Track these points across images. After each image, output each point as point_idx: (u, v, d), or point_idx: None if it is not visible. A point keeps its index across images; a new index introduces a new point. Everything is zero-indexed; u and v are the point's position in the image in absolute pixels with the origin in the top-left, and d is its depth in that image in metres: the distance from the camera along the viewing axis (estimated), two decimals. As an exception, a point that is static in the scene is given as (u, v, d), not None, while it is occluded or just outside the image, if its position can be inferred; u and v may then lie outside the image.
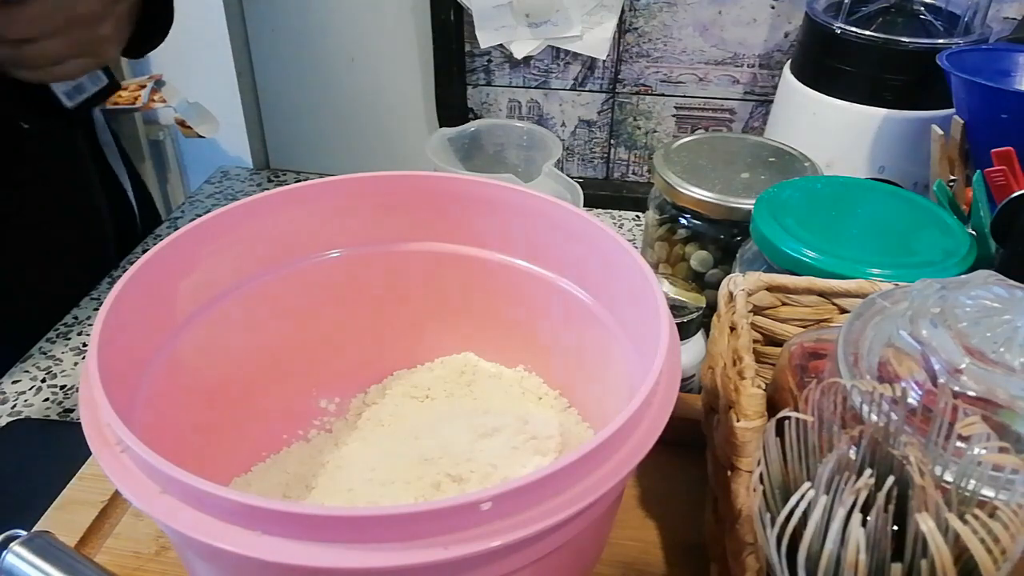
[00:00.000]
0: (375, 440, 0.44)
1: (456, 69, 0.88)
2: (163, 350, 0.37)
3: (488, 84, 0.90)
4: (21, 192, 0.64)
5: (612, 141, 0.92)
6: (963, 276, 0.33)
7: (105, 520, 0.43)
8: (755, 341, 0.42)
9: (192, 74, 0.91)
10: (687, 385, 0.53)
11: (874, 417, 0.28)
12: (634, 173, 0.94)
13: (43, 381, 0.60)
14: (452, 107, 0.90)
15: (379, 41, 0.88)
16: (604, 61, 0.86)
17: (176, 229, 0.38)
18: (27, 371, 0.61)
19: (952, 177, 0.59)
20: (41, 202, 0.66)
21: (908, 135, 0.68)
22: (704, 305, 0.51)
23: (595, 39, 0.84)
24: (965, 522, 0.23)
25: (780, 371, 0.38)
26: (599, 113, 0.90)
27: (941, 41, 0.66)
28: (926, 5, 0.70)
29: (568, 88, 0.89)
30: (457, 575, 0.27)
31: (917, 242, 0.47)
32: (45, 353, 0.63)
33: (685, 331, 0.50)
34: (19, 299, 0.66)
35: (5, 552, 0.34)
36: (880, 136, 0.68)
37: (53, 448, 0.52)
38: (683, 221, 0.59)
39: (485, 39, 0.85)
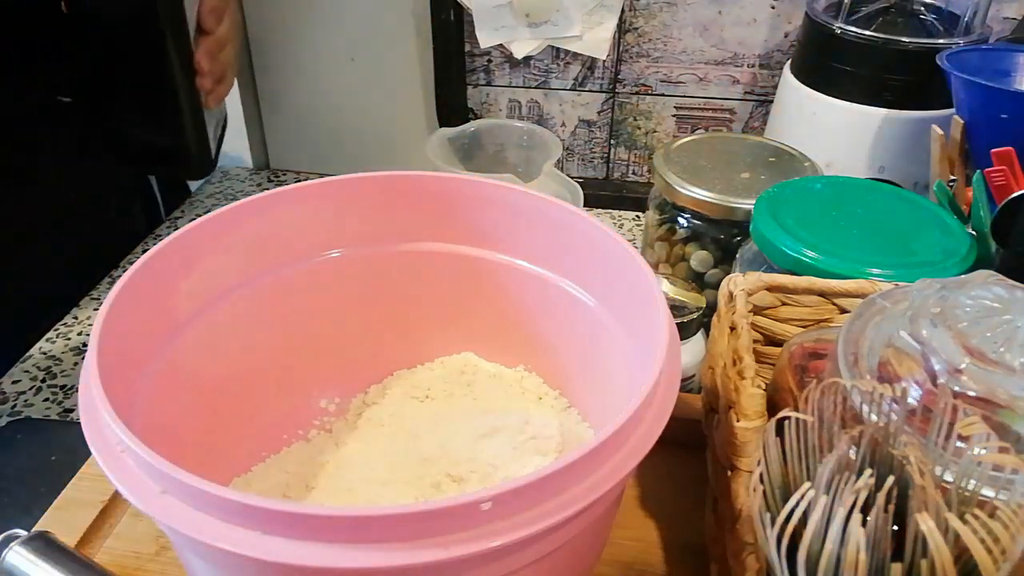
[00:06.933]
0: (375, 440, 0.44)
1: (456, 69, 0.88)
2: (163, 350, 0.37)
3: (488, 84, 0.90)
4: (43, 184, 0.64)
5: (612, 141, 0.92)
6: (963, 276, 0.33)
7: (105, 520, 0.43)
8: (755, 341, 0.42)
9: (192, 74, 0.90)
10: (687, 385, 0.53)
11: (874, 417, 0.28)
12: (634, 173, 0.94)
13: (43, 381, 0.60)
14: (452, 107, 0.90)
15: (379, 41, 0.88)
16: (604, 61, 0.86)
17: (176, 229, 0.38)
18: (27, 371, 0.61)
19: (952, 177, 0.59)
20: (62, 196, 0.66)
21: (908, 135, 0.68)
22: (704, 305, 0.51)
23: (595, 39, 0.84)
24: (965, 522, 0.23)
25: (780, 371, 0.38)
26: (599, 113, 0.90)
27: (941, 41, 0.66)
28: (926, 5, 0.70)
29: (568, 88, 0.89)
30: (457, 575, 0.27)
31: (917, 242, 0.47)
32: (45, 353, 0.63)
33: (685, 331, 0.50)
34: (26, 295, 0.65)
35: (5, 552, 0.34)
36: (880, 136, 0.68)
37: (53, 448, 0.52)
38: (683, 221, 0.59)
39: (485, 39, 0.85)
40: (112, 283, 0.42)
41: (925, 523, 0.23)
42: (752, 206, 0.50)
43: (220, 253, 0.40)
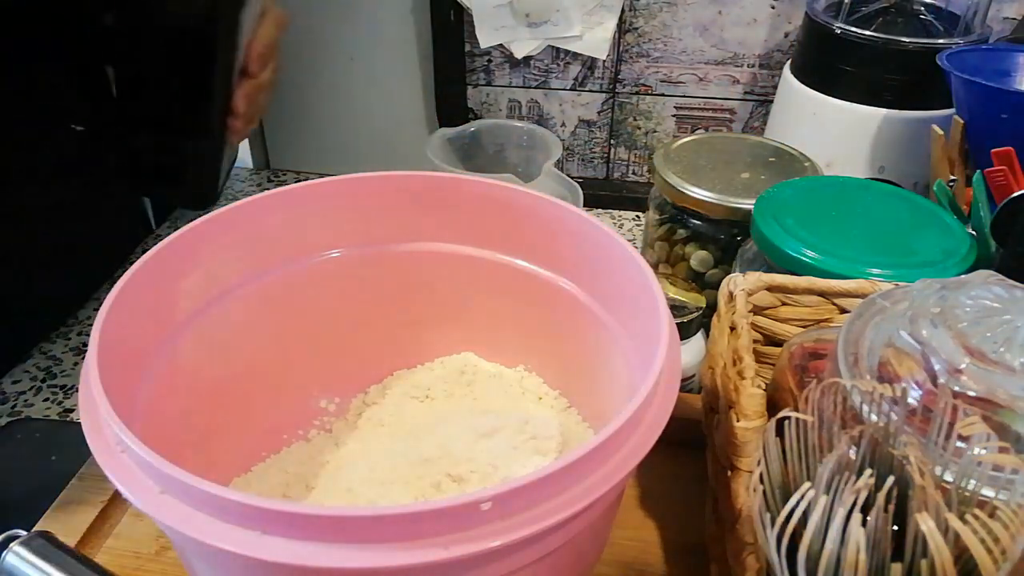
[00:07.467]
0: (375, 440, 0.44)
1: (456, 69, 0.88)
2: (163, 350, 0.37)
3: (488, 84, 0.90)
4: (47, 189, 0.64)
5: (612, 141, 0.92)
6: (963, 276, 0.33)
7: (105, 520, 0.43)
8: (755, 341, 0.42)
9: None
10: (687, 385, 0.53)
11: (874, 417, 0.28)
12: (634, 173, 0.94)
13: (43, 381, 0.60)
14: (452, 107, 0.90)
15: (379, 41, 0.88)
16: (604, 61, 0.86)
17: (176, 229, 0.38)
18: (27, 371, 0.61)
19: (952, 177, 0.59)
20: (63, 200, 0.66)
21: (908, 135, 0.68)
22: (704, 305, 0.51)
23: (595, 39, 0.85)
24: (965, 522, 0.23)
25: (780, 371, 0.38)
26: (599, 113, 0.90)
27: (941, 41, 0.66)
28: (926, 5, 0.70)
29: (568, 88, 0.89)
30: (457, 575, 0.27)
31: (917, 242, 0.47)
32: (45, 353, 0.63)
33: (685, 331, 0.50)
34: (26, 296, 0.66)
35: (5, 552, 0.34)
36: (880, 136, 0.68)
37: (53, 448, 0.52)
38: (683, 221, 0.59)
39: (485, 39, 0.85)
40: (112, 283, 0.42)
41: (925, 523, 0.23)
42: (752, 206, 0.50)
43: (220, 253, 0.40)
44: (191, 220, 0.39)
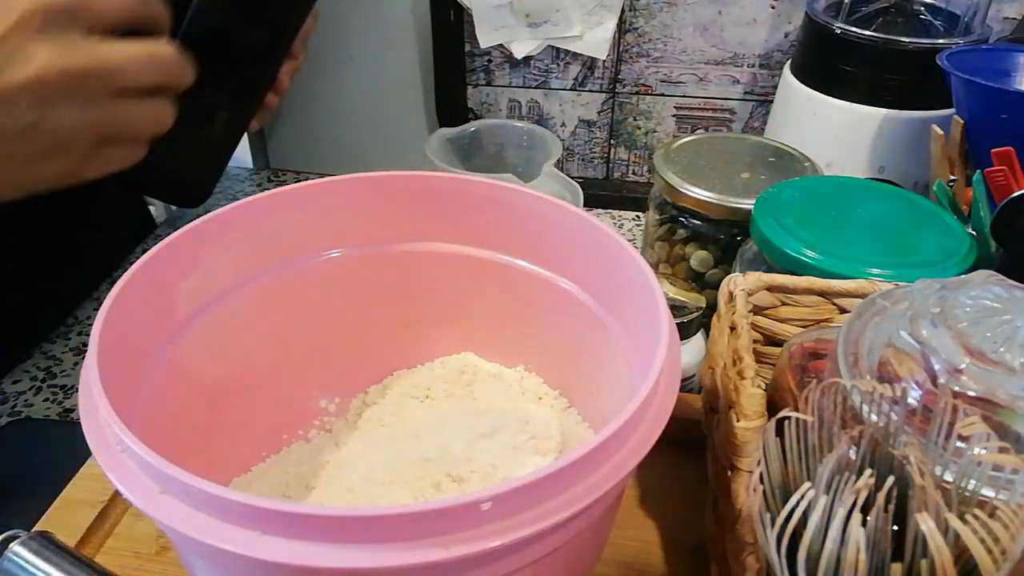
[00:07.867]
0: (375, 440, 0.44)
1: (456, 69, 0.88)
2: (163, 350, 0.37)
3: (488, 84, 0.90)
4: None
5: (612, 141, 0.92)
6: (963, 276, 0.33)
7: (105, 520, 0.43)
8: (755, 341, 0.42)
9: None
10: (687, 385, 0.53)
11: (874, 417, 0.28)
12: (634, 173, 0.94)
13: (43, 381, 0.60)
14: (452, 107, 0.90)
15: (379, 41, 0.88)
16: (604, 61, 0.86)
17: (176, 229, 0.38)
18: (27, 371, 0.61)
19: (952, 177, 0.59)
20: (63, 200, 0.66)
21: (908, 135, 0.68)
22: (704, 305, 0.51)
23: (595, 39, 0.85)
24: (965, 522, 0.23)
25: (780, 371, 0.38)
26: (599, 113, 0.90)
27: (941, 41, 0.66)
28: (926, 5, 0.70)
29: (568, 88, 0.89)
30: (457, 575, 0.27)
31: (917, 242, 0.47)
32: (45, 353, 0.63)
33: (685, 331, 0.50)
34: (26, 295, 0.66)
35: (5, 552, 0.34)
36: (880, 136, 0.68)
37: (53, 448, 0.52)
38: (683, 221, 0.59)
39: (485, 39, 0.85)
40: (112, 283, 0.42)
41: (925, 523, 0.23)
42: (752, 206, 0.50)
43: (220, 253, 0.40)
44: (191, 220, 0.39)
